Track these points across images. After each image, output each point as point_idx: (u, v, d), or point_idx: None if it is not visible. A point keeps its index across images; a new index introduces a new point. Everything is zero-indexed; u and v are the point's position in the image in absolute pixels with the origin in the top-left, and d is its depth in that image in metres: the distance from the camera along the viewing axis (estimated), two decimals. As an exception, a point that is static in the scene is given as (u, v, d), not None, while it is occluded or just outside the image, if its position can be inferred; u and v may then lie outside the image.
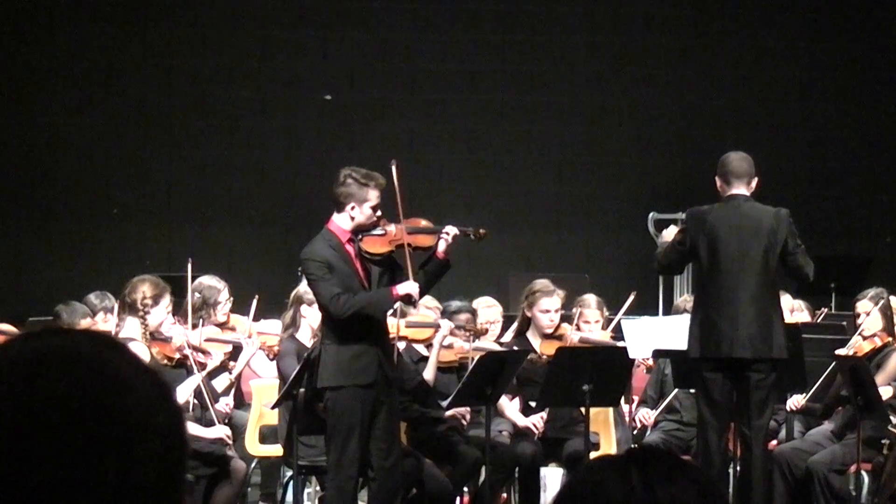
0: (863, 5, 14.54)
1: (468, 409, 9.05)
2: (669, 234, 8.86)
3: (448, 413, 8.96)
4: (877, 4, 14.56)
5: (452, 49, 14.33)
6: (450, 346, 9.06)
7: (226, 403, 8.91)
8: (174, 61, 14.15)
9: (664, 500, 1.64)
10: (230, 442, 8.79)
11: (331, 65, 14.26)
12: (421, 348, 9.20)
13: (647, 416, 9.59)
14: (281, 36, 14.24)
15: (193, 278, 9.49)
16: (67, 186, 14.00)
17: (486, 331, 9.25)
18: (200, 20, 14.18)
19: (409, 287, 7.88)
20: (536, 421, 9.27)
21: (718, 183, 8.57)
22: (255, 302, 9.61)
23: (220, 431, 8.70)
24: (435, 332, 8.90)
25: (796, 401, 9.36)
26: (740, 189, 8.47)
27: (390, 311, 8.21)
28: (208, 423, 8.73)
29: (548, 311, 9.42)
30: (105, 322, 9.12)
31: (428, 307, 9.09)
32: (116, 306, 8.87)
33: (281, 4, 14.25)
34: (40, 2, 14.08)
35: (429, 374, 8.81)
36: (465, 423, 9.03)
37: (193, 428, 8.62)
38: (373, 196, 7.92)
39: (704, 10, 14.54)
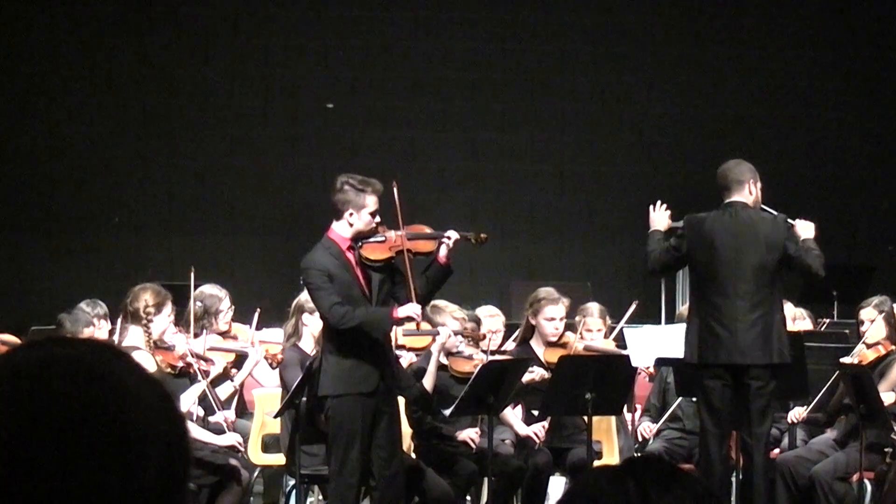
0: (866, 12, 14.55)
1: (478, 432, 9.05)
2: (660, 219, 8.77)
3: (460, 436, 8.99)
4: (879, 11, 14.56)
5: (454, 57, 14.34)
6: (469, 358, 9.04)
7: (225, 417, 8.90)
8: (176, 69, 14.17)
9: (660, 510, 1.65)
10: (242, 449, 8.81)
11: (332, 73, 14.28)
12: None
13: (648, 429, 9.58)
14: (282, 44, 14.26)
15: (195, 287, 9.50)
16: (69, 195, 14.01)
17: (485, 337, 9.25)
18: (202, 29, 14.20)
19: (410, 310, 7.86)
20: (538, 430, 9.26)
21: (720, 192, 8.58)
22: (256, 314, 9.62)
23: (232, 438, 8.72)
24: (433, 340, 8.88)
25: (797, 413, 9.35)
26: (737, 196, 8.48)
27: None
28: (215, 431, 8.75)
29: (552, 319, 9.41)
30: (98, 328, 9.11)
31: (455, 317, 9.05)
32: (112, 314, 8.87)
33: (282, 13, 14.26)
34: (41, 10, 14.09)
35: (428, 382, 8.80)
36: (473, 447, 9.03)
37: (205, 434, 8.63)
38: (370, 202, 7.92)
39: (706, 19, 14.54)
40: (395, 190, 7.96)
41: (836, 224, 14.18)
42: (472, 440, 9.02)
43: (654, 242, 8.74)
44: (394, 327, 8.19)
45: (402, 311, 7.86)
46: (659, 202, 8.87)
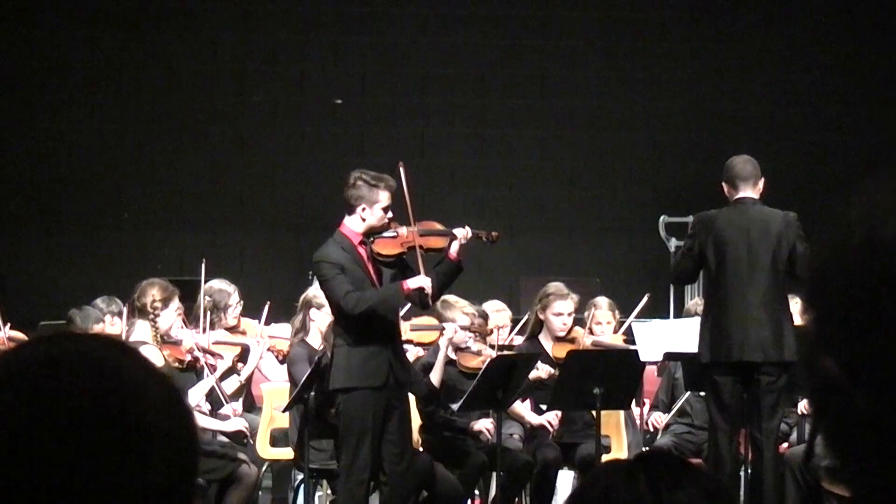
0: (870, 9, 14.52)
1: (492, 421, 9.06)
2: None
3: (473, 425, 8.99)
4: (883, 8, 14.54)
5: (463, 53, 14.33)
6: (477, 353, 9.05)
7: (233, 410, 8.92)
8: (184, 65, 14.17)
9: (672, 505, 1.65)
10: (248, 434, 8.82)
11: (341, 69, 14.28)
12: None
13: (659, 419, 9.59)
14: (291, 40, 14.26)
15: (205, 282, 9.53)
16: (78, 191, 14.02)
17: (491, 332, 9.26)
18: (210, 25, 14.20)
19: (421, 281, 7.88)
20: (551, 418, 9.26)
21: (725, 188, 8.55)
22: (266, 308, 9.63)
23: (239, 423, 8.74)
24: (440, 334, 8.89)
25: (807, 404, 9.34)
26: (747, 192, 8.47)
27: (401, 313, 8.21)
28: (222, 419, 8.78)
29: (561, 314, 9.41)
30: (112, 326, 9.14)
31: (465, 312, 9.06)
32: (125, 311, 8.90)
33: (291, 8, 14.26)
34: (49, 7, 14.10)
35: (435, 377, 8.80)
36: (489, 436, 9.03)
37: (211, 422, 8.65)
38: (383, 198, 7.94)
39: (713, 16, 14.53)
40: (402, 172, 7.98)
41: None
42: (488, 430, 9.02)
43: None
44: (406, 302, 8.20)
45: (412, 283, 7.89)
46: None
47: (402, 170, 7.99)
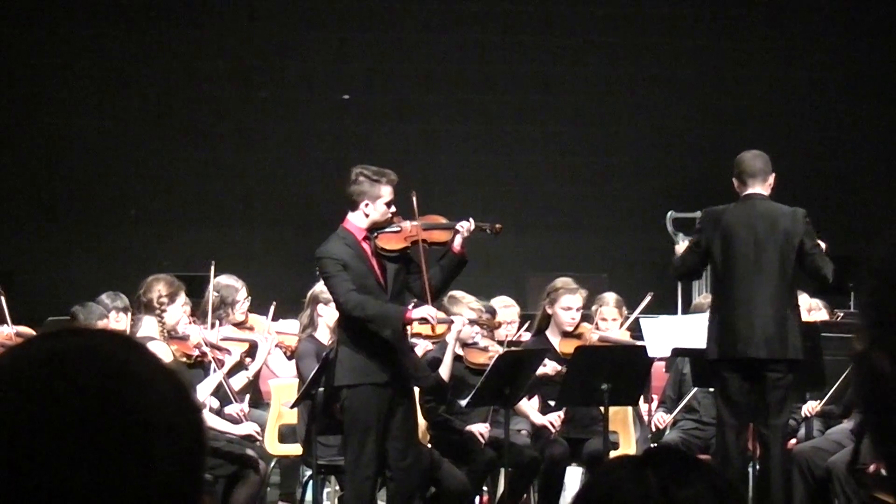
0: (873, 7, 14.51)
1: (487, 426, 9.04)
2: (683, 248, 8.84)
3: (468, 428, 8.98)
4: (886, 6, 14.52)
5: (469, 50, 14.33)
6: (485, 349, 9.04)
7: (241, 410, 8.92)
8: (190, 62, 14.18)
9: (680, 502, 1.64)
10: (259, 438, 8.84)
11: (348, 65, 14.28)
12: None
13: (662, 419, 9.58)
14: (298, 36, 14.26)
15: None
16: (84, 188, 14.03)
17: (500, 325, 9.25)
18: (217, 21, 14.21)
19: (424, 312, 7.87)
20: (554, 419, 9.26)
21: (735, 184, 8.54)
22: (272, 307, 9.63)
23: (250, 427, 8.76)
24: (448, 328, 8.87)
25: (812, 407, 9.33)
26: (756, 188, 8.45)
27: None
28: (230, 421, 8.78)
29: (570, 309, 9.40)
30: (117, 321, 9.14)
31: (472, 308, 9.05)
32: (131, 307, 8.91)
33: (297, 4, 14.26)
34: (53, 4, 14.11)
35: (444, 372, 8.79)
36: (483, 440, 9.01)
37: (222, 424, 8.66)
38: (385, 192, 7.94)
39: (719, 12, 14.52)
40: (415, 199, 7.99)
41: (852, 215, 14.16)
42: (482, 434, 9.01)
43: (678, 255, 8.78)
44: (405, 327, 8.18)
45: (416, 313, 7.88)
46: (682, 240, 8.89)
47: (414, 199, 8.00)
